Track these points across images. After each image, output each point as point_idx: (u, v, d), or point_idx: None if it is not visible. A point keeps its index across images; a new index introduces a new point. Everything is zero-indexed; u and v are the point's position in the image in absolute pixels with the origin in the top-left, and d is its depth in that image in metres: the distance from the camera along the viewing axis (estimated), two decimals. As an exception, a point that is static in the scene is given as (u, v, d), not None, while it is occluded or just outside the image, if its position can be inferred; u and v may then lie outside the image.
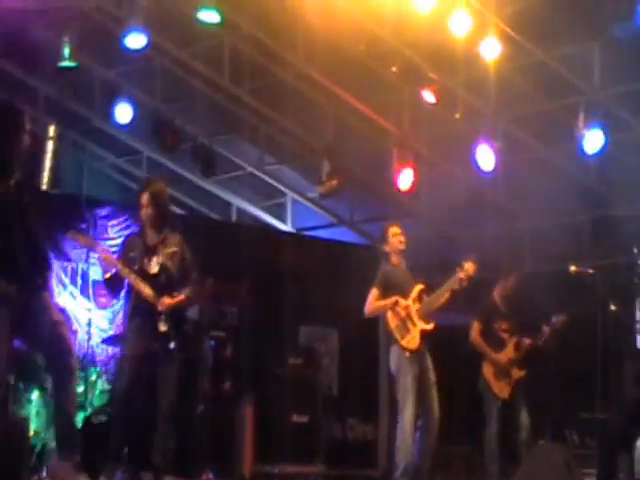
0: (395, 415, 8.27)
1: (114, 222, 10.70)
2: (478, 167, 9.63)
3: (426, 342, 8.18)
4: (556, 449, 8.07)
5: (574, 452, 8.91)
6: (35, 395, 8.41)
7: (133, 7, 8.75)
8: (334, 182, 10.62)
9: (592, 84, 8.76)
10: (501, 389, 8.64)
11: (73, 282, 10.44)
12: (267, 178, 11.99)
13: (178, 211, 12.21)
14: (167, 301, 7.39)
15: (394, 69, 9.49)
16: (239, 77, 10.20)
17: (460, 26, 8.30)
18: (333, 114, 10.51)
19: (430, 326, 8.18)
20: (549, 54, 8.74)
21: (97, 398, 9.05)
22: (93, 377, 9.13)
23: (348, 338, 11.67)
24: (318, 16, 8.74)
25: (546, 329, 8.67)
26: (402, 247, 8.29)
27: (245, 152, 11.74)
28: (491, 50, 8.42)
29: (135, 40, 8.91)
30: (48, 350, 5.49)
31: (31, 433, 7.62)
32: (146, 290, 7.35)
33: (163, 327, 7.39)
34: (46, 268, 5.63)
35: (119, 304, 9.63)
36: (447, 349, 9.76)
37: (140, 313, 7.39)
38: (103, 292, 9.84)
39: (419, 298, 8.20)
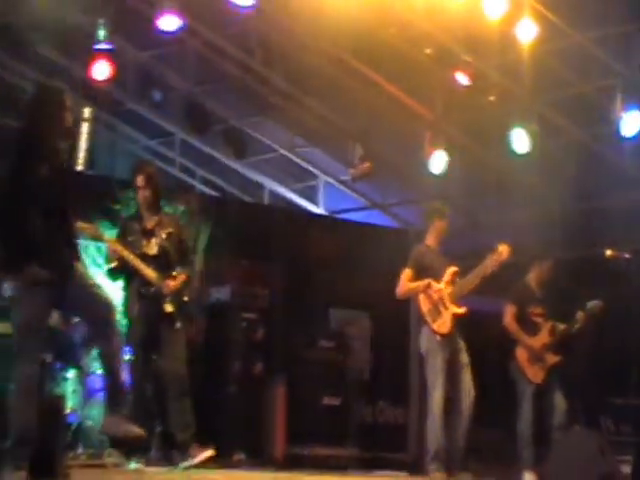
0: (426, 399, 8.26)
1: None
2: (512, 151, 9.56)
3: (458, 325, 8.16)
4: (590, 435, 8.04)
5: (608, 438, 8.86)
6: (71, 373, 8.51)
7: (167, -11, 8.75)
8: (366, 165, 10.60)
9: (630, 66, 8.66)
10: (535, 374, 8.59)
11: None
12: (299, 160, 11.98)
13: (211, 193, 12.23)
14: (172, 283, 7.57)
15: (427, 51, 9.41)
16: (271, 60, 10.18)
17: (495, 7, 8.22)
18: (365, 98, 10.46)
19: (462, 310, 8.16)
20: (586, 35, 8.64)
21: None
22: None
23: (379, 322, 11.65)
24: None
25: (581, 315, 8.59)
26: (445, 229, 8.26)
27: (276, 134, 11.73)
28: (527, 32, 8.34)
29: (168, 23, 8.92)
30: (87, 312, 5.51)
31: (67, 410, 7.69)
32: (151, 274, 7.48)
33: (170, 308, 7.57)
34: (78, 251, 5.64)
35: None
36: (478, 333, 9.74)
37: (145, 296, 7.52)
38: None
39: (452, 281, 8.19)
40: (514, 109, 9.47)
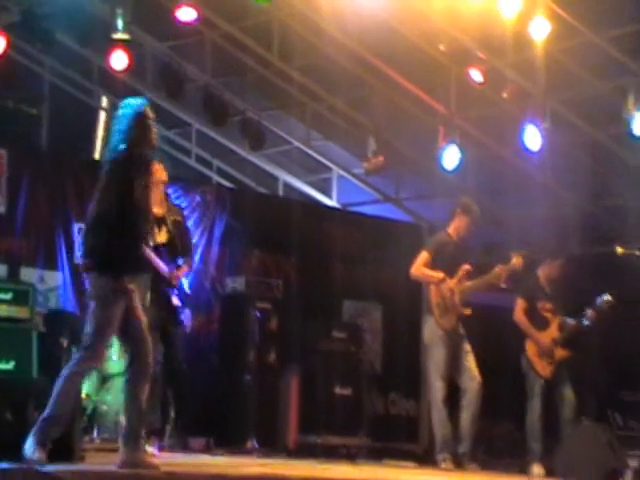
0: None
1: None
2: (525, 148, 9.59)
3: (462, 322, 8.20)
4: (599, 429, 8.08)
5: (617, 433, 8.88)
6: (87, 359, 8.53)
7: (185, -19, 8.80)
8: (380, 159, 10.62)
9: (644, 65, 8.69)
10: (544, 368, 8.59)
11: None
12: (313, 153, 12.01)
13: (226, 184, 12.28)
14: (178, 275, 7.67)
15: (442, 48, 9.45)
16: (288, 54, 10.22)
17: (510, 6, 8.25)
18: (380, 93, 10.51)
19: (468, 311, 8.20)
20: (599, 35, 8.66)
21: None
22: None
23: (391, 314, 11.70)
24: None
25: (590, 312, 8.57)
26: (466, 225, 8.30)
27: (292, 127, 11.76)
28: (540, 30, 8.37)
29: (186, 14, 8.95)
30: (133, 340, 5.60)
31: (83, 396, 7.73)
32: (163, 267, 7.55)
33: (177, 301, 7.66)
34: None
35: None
36: (489, 327, 9.80)
37: (157, 289, 7.55)
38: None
39: (463, 278, 8.21)
40: (528, 106, 9.49)
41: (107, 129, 11.24)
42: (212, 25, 10.09)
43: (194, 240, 11.07)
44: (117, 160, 5.52)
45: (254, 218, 10.78)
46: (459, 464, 8.00)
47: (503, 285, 8.31)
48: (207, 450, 8.72)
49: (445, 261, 8.21)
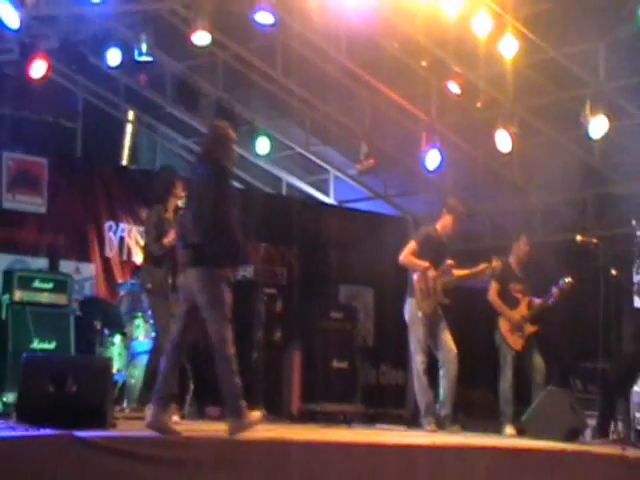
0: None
1: (183, 195, 10.79)
2: (496, 149, 9.60)
3: (440, 308, 8.19)
4: (562, 393, 8.13)
5: (578, 397, 8.92)
6: (117, 339, 8.54)
7: (200, 10, 8.81)
8: (371, 161, 10.63)
9: (597, 78, 8.69)
10: (515, 342, 8.60)
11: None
12: (313, 157, 12.03)
13: (237, 185, 12.30)
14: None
15: (424, 63, 9.46)
16: (290, 70, 10.24)
17: (482, 26, 8.26)
18: (370, 102, 10.53)
19: (447, 300, 8.19)
20: (559, 51, 8.68)
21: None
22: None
23: (382, 296, 11.72)
24: (358, 18, 8.75)
25: (555, 291, 8.60)
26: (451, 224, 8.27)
27: (294, 134, 11.78)
28: (509, 47, 8.37)
29: (201, 38, 8.98)
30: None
31: (114, 371, 7.77)
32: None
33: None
34: None
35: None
36: (468, 307, 9.82)
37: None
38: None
39: (446, 272, 8.20)
40: (498, 113, 9.51)
41: (133, 139, 11.27)
42: (223, 47, 10.12)
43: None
44: None
45: (261, 215, 10.80)
46: (442, 426, 8.02)
47: (484, 279, 8.35)
48: (222, 418, 8.74)
49: (430, 252, 8.20)
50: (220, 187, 5.77)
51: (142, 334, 8.38)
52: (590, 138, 8.90)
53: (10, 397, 7.67)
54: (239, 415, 5.64)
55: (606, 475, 6.51)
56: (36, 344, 8.31)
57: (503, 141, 9.51)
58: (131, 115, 11.81)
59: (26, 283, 8.59)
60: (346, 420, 9.36)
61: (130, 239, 10.51)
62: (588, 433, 8.25)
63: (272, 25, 8.83)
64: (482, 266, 8.26)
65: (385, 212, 12.34)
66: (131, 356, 8.41)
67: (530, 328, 8.66)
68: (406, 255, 8.23)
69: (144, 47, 9.55)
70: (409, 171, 11.17)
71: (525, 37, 8.41)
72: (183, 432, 5.64)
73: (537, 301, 8.70)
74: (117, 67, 9.99)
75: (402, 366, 11.42)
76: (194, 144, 12.30)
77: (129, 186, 10.63)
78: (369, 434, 7.65)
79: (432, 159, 10.15)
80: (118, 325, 8.68)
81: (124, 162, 11.39)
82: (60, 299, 8.76)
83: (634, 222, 8.01)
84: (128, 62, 9.83)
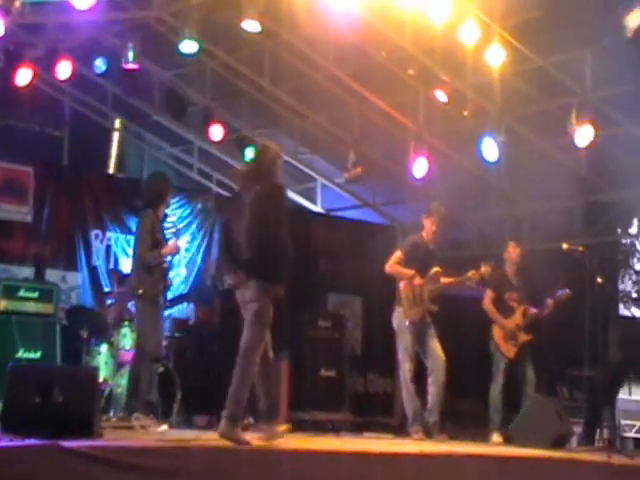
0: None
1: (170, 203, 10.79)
2: (484, 158, 9.64)
3: (428, 316, 8.19)
4: (549, 401, 8.16)
5: (565, 404, 8.95)
6: (104, 348, 8.54)
7: (187, 18, 8.82)
8: (359, 170, 10.64)
9: (584, 86, 8.74)
10: (508, 350, 8.60)
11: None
12: (300, 165, 12.05)
13: (224, 194, 12.31)
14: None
15: (411, 72, 9.48)
16: (278, 79, 10.26)
17: (469, 35, 8.28)
18: (358, 111, 10.55)
19: (435, 308, 8.21)
20: (546, 60, 8.73)
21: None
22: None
23: (370, 305, 11.74)
24: (347, 27, 8.78)
25: (550, 301, 8.59)
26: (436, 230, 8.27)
27: (282, 143, 11.77)
28: (496, 56, 8.40)
29: (188, 46, 8.98)
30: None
31: (100, 380, 7.76)
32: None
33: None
34: None
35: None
36: (459, 317, 9.84)
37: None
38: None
39: (433, 279, 8.22)
40: (486, 122, 9.55)
41: (121, 147, 11.28)
42: (211, 55, 10.12)
43: (196, 242, 11.18)
44: None
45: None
46: (429, 434, 8.03)
47: (472, 286, 8.36)
48: (210, 426, 8.73)
49: (417, 260, 8.22)
50: (277, 206, 6.11)
51: (129, 343, 8.37)
52: (577, 146, 8.93)
53: (-5, 407, 7.63)
54: (229, 422, 5.69)
55: (592, 482, 6.53)
56: (22, 353, 8.30)
57: (490, 150, 9.53)
58: (118, 123, 11.83)
59: (12, 292, 8.59)
60: (334, 428, 9.38)
61: (117, 247, 10.51)
62: (574, 440, 8.28)
63: (259, 33, 8.84)
64: (470, 273, 8.29)
65: (373, 220, 12.35)
66: (118, 365, 8.39)
67: (524, 337, 8.67)
68: (391, 264, 8.26)
69: (131, 55, 9.54)
70: (397, 179, 11.19)
71: (512, 46, 8.44)
72: (171, 441, 5.62)
73: (532, 311, 8.68)
74: (104, 75, 9.98)
75: (390, 374, 11.44)
76: (181, 152, 12.32)
77: (116, 194, 10.63)
78: (357, 442, 7.65)
79: (420, 167, 10.17)
80: (105, 334, 8.65)
81: (111, 170, 11.40)
82: (46, 308, 8.76)
83: (619, 231, 8.06)
84: (115, 70, 9.82)
